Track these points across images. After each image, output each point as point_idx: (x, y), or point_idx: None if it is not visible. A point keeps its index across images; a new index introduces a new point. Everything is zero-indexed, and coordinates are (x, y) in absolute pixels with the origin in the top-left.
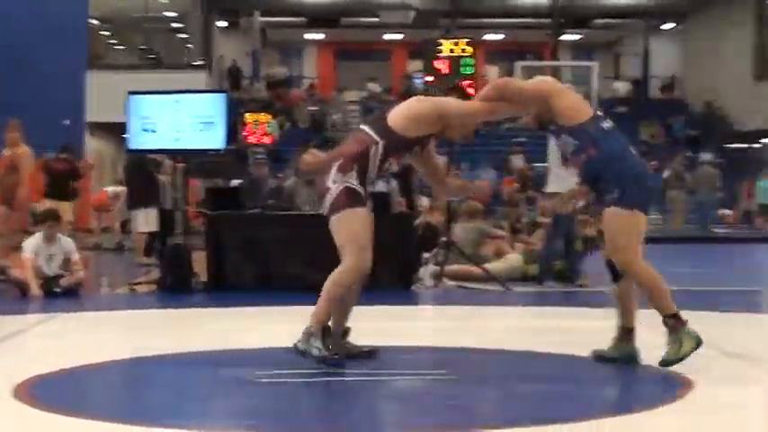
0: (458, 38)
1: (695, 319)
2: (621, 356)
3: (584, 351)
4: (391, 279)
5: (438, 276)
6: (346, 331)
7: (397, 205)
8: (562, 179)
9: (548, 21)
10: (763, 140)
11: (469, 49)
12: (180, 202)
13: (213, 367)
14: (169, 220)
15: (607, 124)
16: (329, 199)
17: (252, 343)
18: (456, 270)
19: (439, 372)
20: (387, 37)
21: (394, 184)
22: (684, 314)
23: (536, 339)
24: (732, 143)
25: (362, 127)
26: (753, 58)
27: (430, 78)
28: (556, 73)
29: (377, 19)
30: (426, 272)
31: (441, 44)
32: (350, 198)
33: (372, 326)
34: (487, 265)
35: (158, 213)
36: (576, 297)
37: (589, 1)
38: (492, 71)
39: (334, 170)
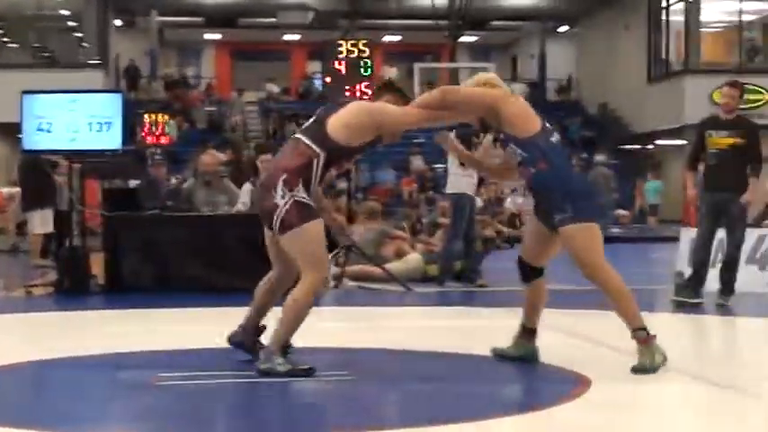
0: (356, 39)
1: (592, 319)
2: (523, 355)
3: (485, 351)
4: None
5: (339, 277)
6: (261, 329)
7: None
8: (461, 180)
9: (446, 23)
10: (657, 142)
11: (368, 51)
12: (76, 203)
13: (112, 370)
14: (66, 221)
15: (554, 138)
16: (280, 216)
17: (151, 345)
18: (357, 271)
19: (340, 372)
20: (286, 38)
21: None
22: (582, 312)
23: (437, 339)
24: (626, 144)
25: (299, 137)
26: (646, 61)
27: (329, 79)
28: (453, 74)
29: (275, 19)
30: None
31: (339, 45)
32: (301, 213)
33: (273, 326)
34: (388, 266)
35: (54, 214)
36: (477, 297)
37: (486, 3)
38: (390, 72)
39: (280, 185)
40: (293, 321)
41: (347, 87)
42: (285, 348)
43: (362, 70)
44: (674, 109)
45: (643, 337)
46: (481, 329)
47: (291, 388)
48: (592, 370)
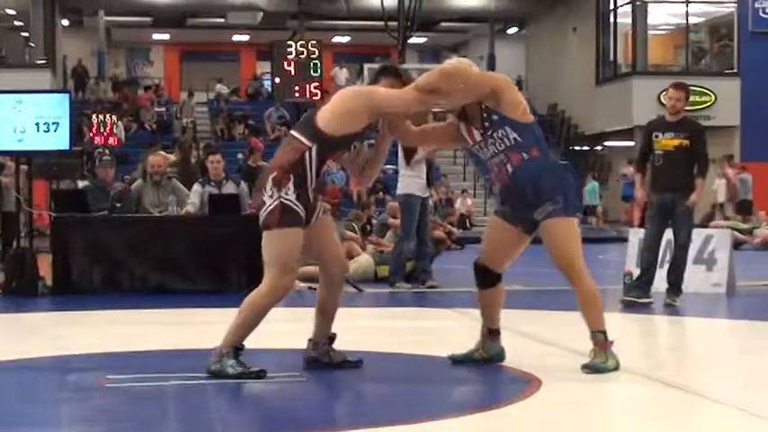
0: (305, 40)
1: (542, 318)
2: (493, 356)
3: (437, 351)
4: (241, 282)
5: None
6: (332, 338)
7: (248, 207)
8: (410, 181)
9: (395, 24)
10: (606, 143)
11: (317, 52)
12: (24, 205)
13: (60, 373)
14: (13, 222)
15: (537, 132)
16: (263, 213)
17: (100, 347)
18: (307, 271)
19: (291, 374)
20: (235, 38)
21: (244, 185)
22: (530, 313)
23: (389, 340)
24: (576, 146)
25: (293, 133)
26: (594, 62)
27: (278, 80)
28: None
29: (224, 20)
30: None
31: (289, 46)
32: (282, 216)
33: (223, 328)
34: None
35: (1, 216)
36: (427, 298)
37: (435, 5)
38: (341, 74)
39: (269, 184)
40: (247, 323)
41: (296, 88)
42: (237, 350)
43: (312, 71)
44: (623, 110)
45: (601, 341)
46: (433, 330)
47: (242, 390)
48: (542, 370)
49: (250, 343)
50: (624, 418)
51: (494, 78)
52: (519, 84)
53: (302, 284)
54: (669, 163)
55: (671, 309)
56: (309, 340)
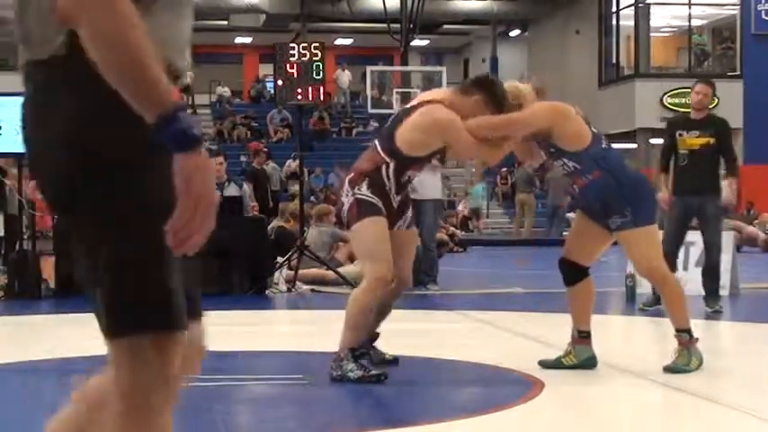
0: (308, 42)
1: (544, 320)
2: (584, 362)
3: (440, 353)
4: (245, 284)
5: (292, 281)
6: (375, 336)
7: (250, 210)
8: (428, 186)
9: (397, 26)
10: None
11: (320, 54)
12: (27, 207)
13: (62, 375)
14: (16, 225)
15: (604, 143)
16: (344, 214)
17: (103, 350)
18: (310, 274)
19: (294, 376)
20: (237, 40)
21: (246, 187)
22: (533, 315)
23: (392, 342)
24: None
25: (376, 143)
26: (597, 65)
27: (280, 82)
28: (405, 78)
29: (227, 22)
30: (280, 276)
31: (291, 48)
32: (360, 209)
33: (226, 330)
34: (341, 269)
35: (4, 218)
36: (431, 300)
37: (438, 7)
38: (344, 76)
39: (346, 185)
40: (354, 323)
41: (299, 90)
42: (355, 352)
43: (314, 73)
44: (625, 113)
45: (686, 340)
46: (435, 332)
47: (244, 392)
48: (545, 372)
49: (259, 345)
50: (627, 420)
51: (550, 119)
52: None
53: (305, 287)
54: (694, 163)
55: (719, 315)
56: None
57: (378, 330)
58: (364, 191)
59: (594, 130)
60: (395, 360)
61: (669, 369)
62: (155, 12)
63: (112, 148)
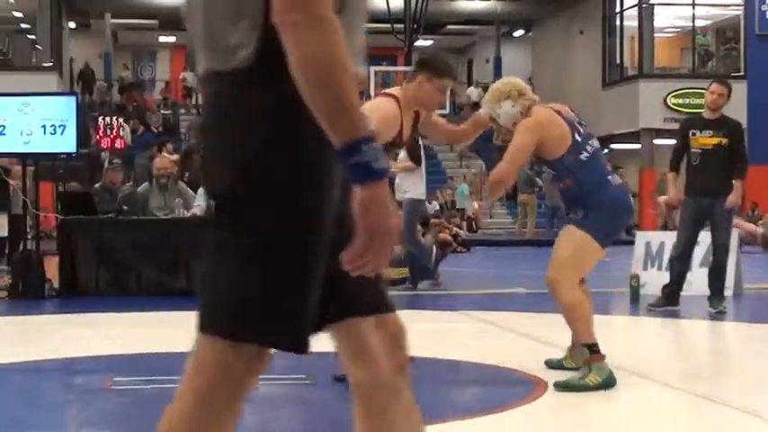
0: None
1: (547, 321)
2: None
3: (443, 353)
4: None
5: None
6: None
7: None
8: (406, 186)
9: (401, 27)
10: (612, 146)
11: None
12: (31, 207)
13: (67, 375)
14: (20, 225)
15: (586, 152)
16: None
17: (106, 350)
18: None
19: (298, 376)
20: None
21: None
22: (536, 316)
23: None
24: None
25: None
26: (600, 65)
27: None
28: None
29: None
30: None
31: None
32: None
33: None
34: None
35: (8, 218)
36: (434, 300)
37: (442, 7)
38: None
39: None
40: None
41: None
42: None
43: None
44: (629, 113)
45: (587, 355)
46: (438, 332)
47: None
48: (549, 373)
49: None
50: (631, 420)
51: (529, 143)
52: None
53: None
54: (706, 162)
55: (723, 315)
56: None
57: None
58: None
59: (579, 138)
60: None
61: (563, 385)
62: (345, 22)
63: (282, 166)
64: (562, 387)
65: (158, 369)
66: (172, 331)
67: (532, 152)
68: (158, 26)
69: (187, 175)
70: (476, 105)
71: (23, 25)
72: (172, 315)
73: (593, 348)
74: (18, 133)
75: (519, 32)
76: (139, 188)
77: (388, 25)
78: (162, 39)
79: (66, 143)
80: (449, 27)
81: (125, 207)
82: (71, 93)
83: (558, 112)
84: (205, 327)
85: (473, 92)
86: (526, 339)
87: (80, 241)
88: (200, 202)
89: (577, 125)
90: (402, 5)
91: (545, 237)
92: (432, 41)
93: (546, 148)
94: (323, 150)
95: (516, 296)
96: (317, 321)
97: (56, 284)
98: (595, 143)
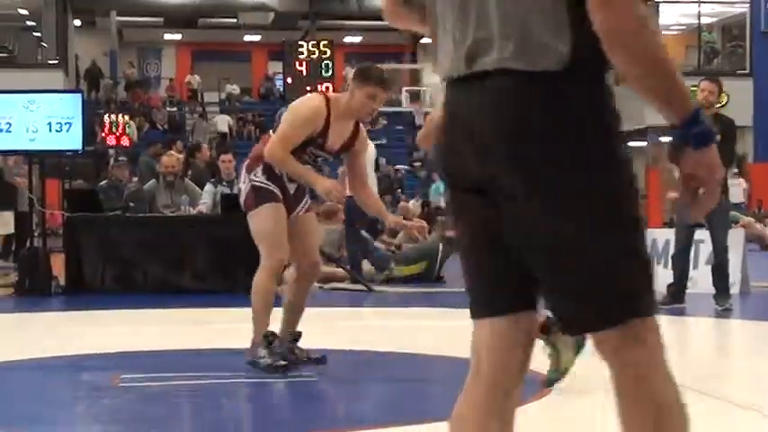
0: (317, 40)
1: None
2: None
3: (449, 351)
4: (247, 280)
5: None
6: (297, 336)
7: None
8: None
9: None
10: (628, 143)
11: (329, 52)
12: (37, 204)
13: (73, 372)
14: (26, 222)
15: None
16: (241, 201)
17: (113, 347)
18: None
19: (303, 374)
20: (246, 38)
21: None
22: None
23: (400, 340)
24: None
25: (271, 131)
26: None
27: (290, 80)
28: (414, 75)
29: (235, 20)
30: (289, 274)
31: (300, 46)
32: (256, 195)
33: (236, 327)
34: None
35: (14, 215)
36: (439, 298)
37: None
38: (352, 73)
39: (243, 172)
40: (259, 309)
41: (308, 88)
42: (268, 338)
43: (323, 71)
44: (635, 111)
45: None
46: (443, 330)
47: (254, 389)
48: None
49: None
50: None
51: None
52: None
53: (315, 284)
54: None
55: (728, 313)
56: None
57: (299, 330)
58: (260, 177)
59: None
60: (321, 359)
61: (545, 383)
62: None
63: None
64: (548, 384)
65: (165, 366)
66: (178, 328)
67: None
68: (163, 24)
69: (190, 172)
70: None
71: (29, 23)
72: (178, 312)
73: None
74: (24, 130)
75: None
76: (146, 185)
77: None
78: (167, 36)
79: (72, 140)
80: None
81: (131, 204)
82: (77, 90)
83: None
84: (613, 319)
85: None
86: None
87: (86, 238)
88: (206, 200)
89: None
90: None
91: None
92: None
93: None
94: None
95: None
96: None
97: (62, 281)
98: None
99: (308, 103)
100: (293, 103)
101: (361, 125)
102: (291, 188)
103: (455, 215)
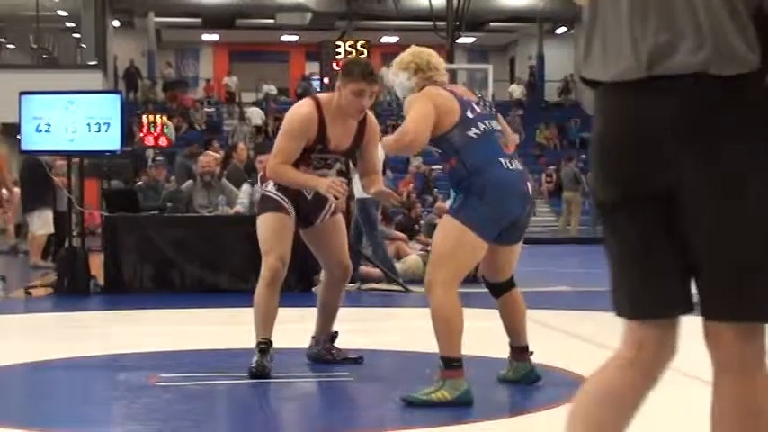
0: (354, 40)
1: (593, 319)
2: (522, 377)
3: (482, 352)
4: (291, 281)
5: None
6: (333, 336)
7: None
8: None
9: (443, 24)
10: None
11: (366, 52)
12: (76, 204)
13: (111, 371)
14: (65, 222)
15: (475, 131)
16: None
17: (150, 346)
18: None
19: (339, 373)
20: (284, 38)
21: None
22: (581, 314)
23: (432, 341)
24: None
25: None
26: None
27: (327, 80)
28: (451, 75)
29: (273, 20)
30: (322, 276)
31: (337, 46)
32: (263, 204)
33: (277, 327)
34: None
35: (53, 215)
36: (474, 298)
37: (484, 5)
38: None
39: (259, 182)
40: (256, 314)
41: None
42: (260, 346)
43: None
44: None
45: (442, 369)
46: (479, 331)
47: (291, 389)
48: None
49: (303, 342)
50: (670, 419)
51: (423, 99)
52: (567, 84)
53: (351, 285)
54: None
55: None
56: (312, 337)
57: (335, 330)
58: (271, 188)
59: (470, 116)
60: (359, 359)
61: (404, 399)
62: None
63: None
64: (408, 402)
65: (202, 366)
66: (215, 328)
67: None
68: (201, 24)
69: (225, 173)
70: (519, 103)
71: (68, 24)
72: (216, 312)
73: (453, 363)
74: (63, 131)
75: (561, 30)
76: (183, 185)
77: (431, 23)
78: (205, 37)
79: (111, 141)
80: (491, 24)
81: (169, 204)
82: (115, 91)
83: (452, 91)
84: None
85: (515, 89)
86: (571, 338)
87: (124, 238)
88: (243, 200)
89: (473, 105)
90: (444, 3)
91: (589, 235)
92: (474, 39)
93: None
94: None
95: (560, 295)
96: None
97: (100, 281)
98: (495, 126)
99: (297, 111)
100: (287, 112)
101: (369, 115)
102: (309, 194)
103: (621, 222)
